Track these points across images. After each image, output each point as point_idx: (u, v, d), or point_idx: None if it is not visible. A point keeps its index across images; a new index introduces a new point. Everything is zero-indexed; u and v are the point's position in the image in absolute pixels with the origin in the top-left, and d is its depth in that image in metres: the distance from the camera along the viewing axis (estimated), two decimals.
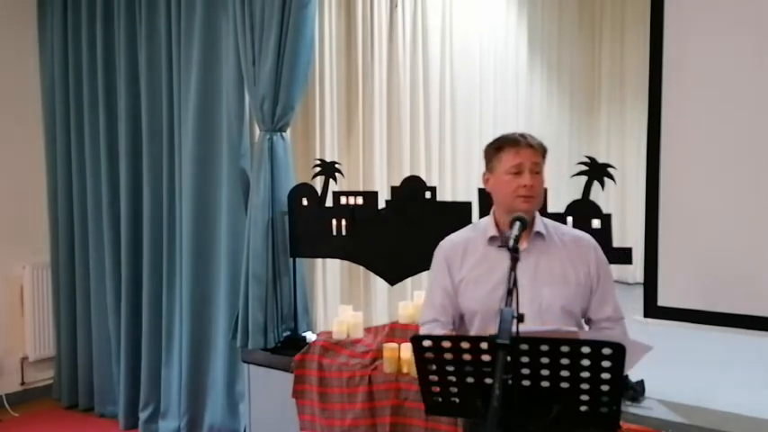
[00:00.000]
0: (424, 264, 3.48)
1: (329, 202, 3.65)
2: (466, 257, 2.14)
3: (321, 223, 3.62)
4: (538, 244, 2.10)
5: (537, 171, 2.06)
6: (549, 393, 1.63)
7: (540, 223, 2.13)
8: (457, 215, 3.25)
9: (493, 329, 1.58)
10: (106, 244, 4.41)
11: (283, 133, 3.75)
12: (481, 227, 2.19)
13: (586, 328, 2.15)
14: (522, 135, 2.09)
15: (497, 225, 2.13)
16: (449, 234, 3.23)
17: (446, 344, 1.67)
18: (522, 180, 2.04)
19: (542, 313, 2.03)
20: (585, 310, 2.13)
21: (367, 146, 4.25)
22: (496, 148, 2.10)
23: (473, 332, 2.11)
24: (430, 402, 1.78)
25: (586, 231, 2.29)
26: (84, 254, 4.58)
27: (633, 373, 2.71)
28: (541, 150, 2.09)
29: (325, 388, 3.30)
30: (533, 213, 2.10)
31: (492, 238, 2.12)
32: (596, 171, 2.87)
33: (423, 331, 2.17)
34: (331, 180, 3.67)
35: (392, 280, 3.55)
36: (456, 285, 2.14)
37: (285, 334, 3.77)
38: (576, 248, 2.12)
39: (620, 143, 6.42)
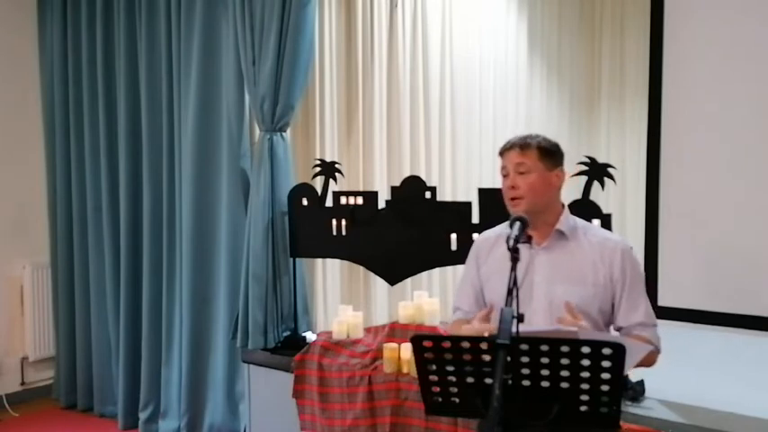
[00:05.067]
0: (423, 264, 3.52)
1: (329, 202, 3.65)
2: (493, 251, 2.18)
3: (321, 223, 3.62)
4: (560, 242, 2.11)
5: (521, 171, 2.07)
6: (549, 393, 1.63)
7: (567, 223, 2.12)
8: (457, 215, 3.25)
9: None
10: (106, 244, 4.41)
11: (283, 133, 3.75)
12: None
13: (614, 333, 2.12)
14: (518, 136, 2.13)
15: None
16: (449, 234, 3.27)
17: (446, 344, 1.67)
18: (506, 182, 2.11)
19: (553, 310, 2.03)
20: (609, 315, 2.09)
21: (367, 146, 4.25)
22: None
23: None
24: (430, 402, 1.78)
25: None
26: (83, 254, 4.58)
27: (633, 373, 2.71)
28: (535, 149, 2.08)
29: (326, 388, 3.30)
30: (537, 208, 2.08)
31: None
32: (596, 171, 2.87)
33: (452, 318, 2.31)
34: (331, 180, 3.67)
35: (392, 280, 3.55)
36: (481, 278, 2.21)
37: (285, 334, 3.77)
38: (601, 250, 2.08)
39: (621, 141, 6.40)
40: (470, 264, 2.27)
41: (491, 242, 2.22)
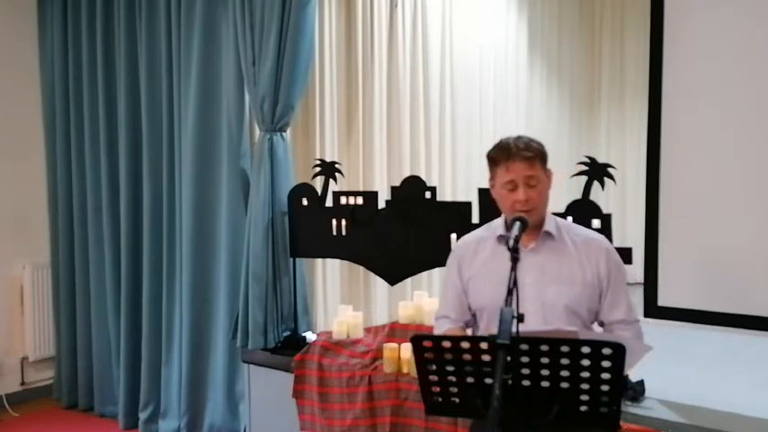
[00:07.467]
0: (423, 264, 3.52)
1: (329, 202, 3.65)
2: (476, 255, 2.18)
3: (321, 223, 3.62)
4: (547, 244, 2.11)
5: (532, 184, 2.02)
6: (549, 393, 1.63)
7: (551, 223, 2.13)
8: (457, 215, 3.25)
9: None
10: (106, 244, 4.41)
11: (283, 133, 3.75)
12: (493, 226, 2.21)
13: (598, 329, 2.14)
14: (516, 143, 2.03)
15: (507, 225, 2.13)
16: (449, 234, 3.27)
17: (446, 344, 1.67)
18: (516, 196, 2.02)
19: (545, 311, 2.04)
20: (596, 312, 2.12)
21: (367, 146, 4.25)
22: (492, 159, 2.08)
23: (482, 328, 2.14)
24: (430, 402, 1.78)
25: None
26: (84, 254, 4.58)
27: (633, 373, 2.71)
28: (538, 158, 2.04)
29: (326, 388, 3.30)
30: (542, 215, 2.10)
31: (501, 237, 2.13)
32: (596, 171, 2.87)
33: (435, 326, 2.28)
34: (331, 180, 3.67)
35: (392, 280, 3.55)
36: (465, 283, 2.19)
37: (285, 334, 3.77)
38: (586, 249, 2.10)
39: (621, 142, 6.43)
40: (452, 270, 2.24)
41: (473, 247, 2.20)
